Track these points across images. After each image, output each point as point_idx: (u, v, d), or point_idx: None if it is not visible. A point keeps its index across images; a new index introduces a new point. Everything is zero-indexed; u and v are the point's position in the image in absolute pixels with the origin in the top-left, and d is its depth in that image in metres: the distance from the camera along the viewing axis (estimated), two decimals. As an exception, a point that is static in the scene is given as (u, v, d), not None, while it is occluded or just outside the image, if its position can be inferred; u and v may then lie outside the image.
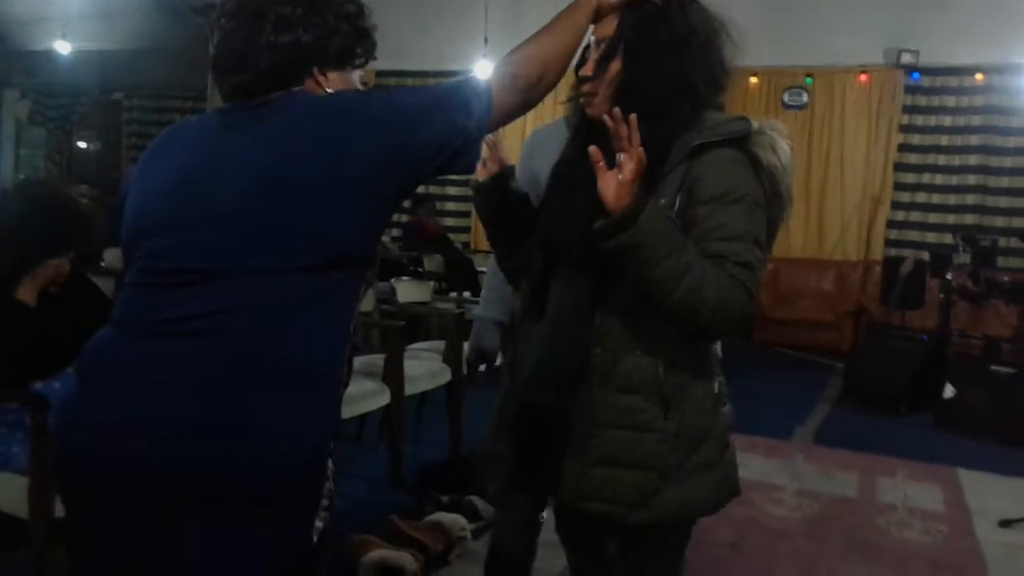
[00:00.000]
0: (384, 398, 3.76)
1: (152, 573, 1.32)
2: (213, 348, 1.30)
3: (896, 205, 8.38)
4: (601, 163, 1.46)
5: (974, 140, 8.08)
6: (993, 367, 5.59)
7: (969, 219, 8.05)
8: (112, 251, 5.14)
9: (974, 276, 6.34)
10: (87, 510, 1.40)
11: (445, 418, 4.36)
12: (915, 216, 8.32)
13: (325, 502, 1.38)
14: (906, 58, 8.06)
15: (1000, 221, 7.97)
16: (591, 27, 1.60)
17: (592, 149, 1.46)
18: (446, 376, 4.22)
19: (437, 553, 3.10)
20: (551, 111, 9.67)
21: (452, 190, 9.88)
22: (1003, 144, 7.99)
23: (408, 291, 5.09)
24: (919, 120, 8.29)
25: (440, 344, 4.46)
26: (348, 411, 3.51)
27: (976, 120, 8.06)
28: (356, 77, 1.53)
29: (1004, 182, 8.00)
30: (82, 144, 12.77)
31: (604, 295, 1.57)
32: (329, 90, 1.46)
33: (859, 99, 8.43)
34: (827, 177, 8.52)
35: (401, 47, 8.46)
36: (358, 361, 3.88)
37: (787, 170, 1.57)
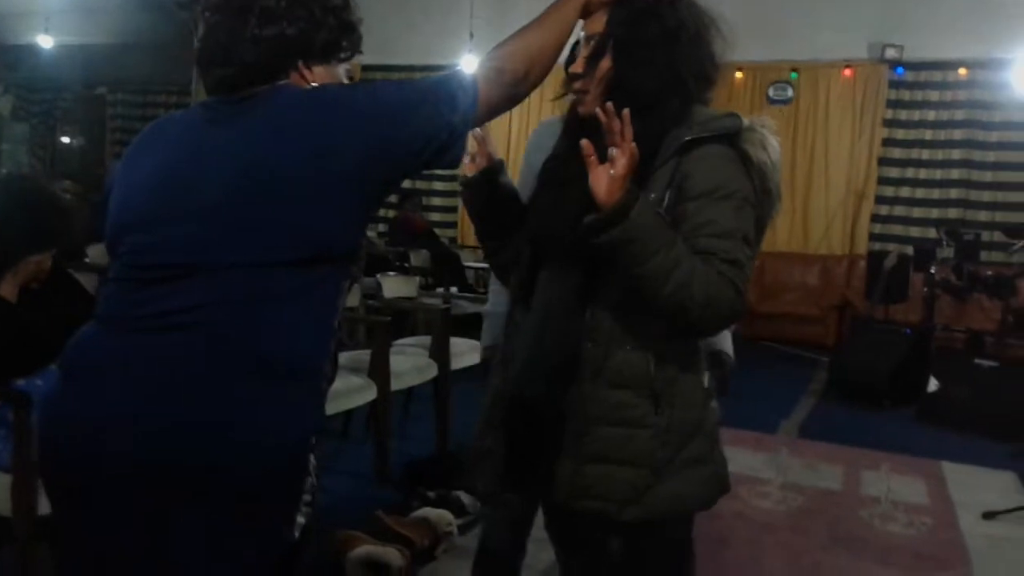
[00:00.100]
0: (370, 394, 3.75)
1: (135, 568, 1.32)
2: (197, 342, 1.30)
3: (880, 199, 8.42)
4: (592, 157, 1.46)
5: (957, 135, 8.13)
6: (976, 360, 5.64)
7: (952, 213, 8.10)
8: (96, 247, 5.11)
9: (957, 270, 6.37)
10: (72, 506, 1.39)
11: (431, 413, 4.36)
12: (899, 210, 8.36)
13: (307, 498, 1.37)
14: (890, 53, 8.10)
15: (983, 215, 8.02)
16: (580, 23, 1.60)
17: (584, 143, 1.46)
18: (432, 371, 4.22)
19: (423, 548, 3.10)
20: (537, 107, 9.66)
21: (439, 185, 9.87)
22: (986, 139, 8.03)
23: (394, 286, 5.08)
24: (903, 115, 8.33)
25: (426, 339, 4.46)
26: (334, 407, 3.51)
27: (959, 115, 8.11)
28: (342, 71, 1.52)
29: (987, 176, 8.05)
30: (66, 139, 12.69)
31: (594, 290, 1.57)
32: (314, 84, 1.45)
33: (843, 94, 8.47)
34: (812, 172, 8.56)
35: (387, 42, 8.45)
36: (344, 357, 3.87)
37: (777, 167, 1.57)
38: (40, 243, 2.38)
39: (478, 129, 1.70)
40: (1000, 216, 7.91)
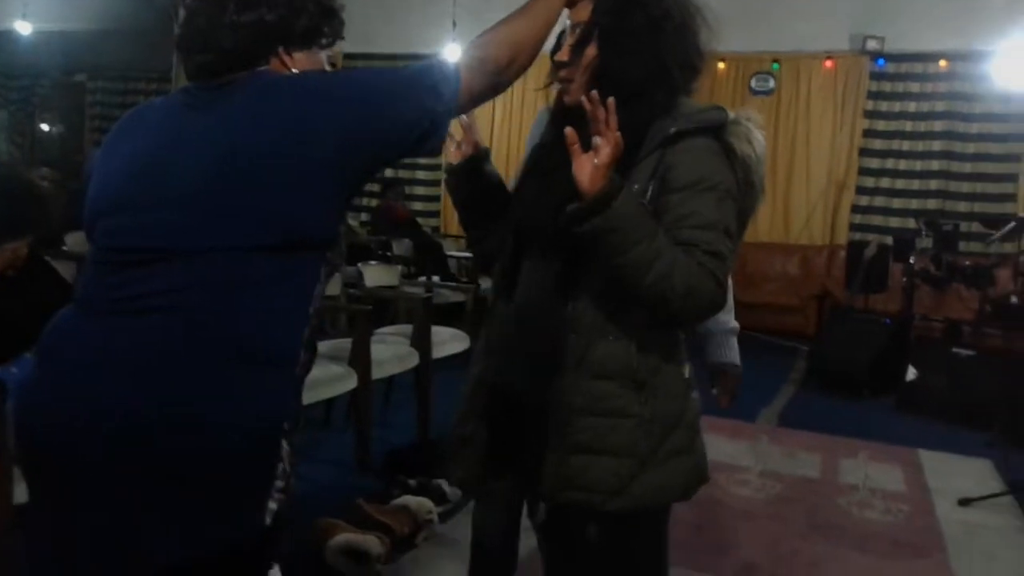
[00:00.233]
0: (351, 382, 3.75)
1: (104, 549, 1.31)
2: (171, 326, 1.29)
3: (860, 190, 8.46)
4: (576, 146, 1.46)
5: (937, 126, 8.17)
6: (954, 350, 5.69)
7: (932, 204, 8.15)
8: (74, 235, 5.08)
9: (936, 260, 6.42)
10: (44, 490, 1.39)
11: (413, 402, 4.36)
12: (879, 201, 8.40)
13: (280, 484, 1.37)
14: (871, 44, 8.13)
15: (962, 206, 8.07)
16: (567, 12, 1.60)
17: (568, 131, 1.46)
18: (414, 360, 4.22)
19: (403, 536, 3.11)
20: (520, 96, 9.63)
21: (422, 174, 9.84)
22: (966, 130, 8.08)
23: (375, 275, 5.08)
24: (883, 106, 8.37)
25: (408, 328, 4.46)
26: (315, 395, 3.50)
27: (940, 106, 8.15)
28: (323, 57, 1.51)
29: (967, 168, 8.10)
30: (45, 126, 12.55)
31: (577, 280, 1.58)
32: (295, 70, 1.44)
33: (825, 85, 8.50)
34: (793, 162, 8.59)
35: (369, 30, 8.41)
36: (325, 345, 3.86)
37: (761, 161, 1.58)
38: (16, 230, 2.36)
39: (464, 116, 1.69)
40: (979, 207, 7.97)
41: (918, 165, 8.26)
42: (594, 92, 1.44)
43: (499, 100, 8.90)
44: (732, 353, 2.30)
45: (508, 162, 8.66)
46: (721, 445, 4.37)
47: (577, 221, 1.46)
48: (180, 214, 1.32)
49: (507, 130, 9.35)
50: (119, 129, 1.49)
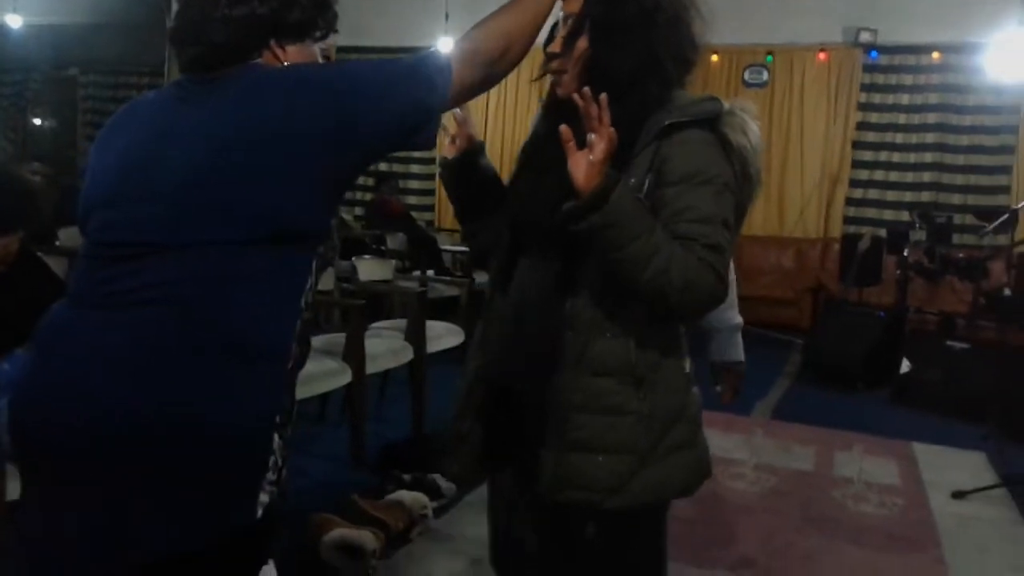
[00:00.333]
0: (345, 377, 3.74)
1: (94, 542, 1.31)
2: (164, 319, 1.29)
3: (854, 183, 8.46)
4: (571, 143, 1.45)
5: (931, 118, 8.17)
6: (948, 343, 5.69)
7: (925, 196, 8.15)
8: (67, 230, 5.06)
9: (930, 253, 6.42)
10: (38, 483, 1.39)
11: (407, 396, 4.35)
12: (873, 193, 8.40)
13: (272, 477, 1.37)
14: (864, 36, 8.13)
15: (956, 199, 8.08)
16: (560, 3, 1.59)
17: (562, 128, 1.45)
18: (408, 355, 4.22)
19: (398, 531, 3.10)
20: (514, 88, 9.59)
21: (416, 168, 9.82)
22: (959, 122, 8.08)
23: (369, 269, 5.06)
24: (877, 98, 8.37)
25: (402, 323, 4.45)
26: (309, 390, 3.50)
27: (933, 98, 8.15)
28: (317, 50, 1.50)
29: (960, 160, 8.10)
30: (37, 121, 12.49)
31: (574, 276, 1.56)
32: (287, 63, 1.44)
33: (818, 77, 8.49)
34: (787, 155, 8.58)
35: (362, 23, 8.39)
36: (319, 340, 3.85)
37: (757, 152, 1.56)
38: (4, 225, 2.35)
39: (459, 110, 1.68)
40: (972, 199, 7.98)
41: (911, 157, 8.26)
42: (586, 88, 1.43)
43: (493, 93, 8.89)
44: (737, 350, 2.30)
45: (502, 156, 8.65)
46: (716, 439, 4.35)
47: (574, 218, 1.45)
48: (170, 207, 1.31)
49: (500, 123, 9.33)
50: (113, 124, 1.49)
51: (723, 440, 4.41)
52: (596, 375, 1.55)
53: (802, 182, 8.57)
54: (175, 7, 1.44)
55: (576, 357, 1.55)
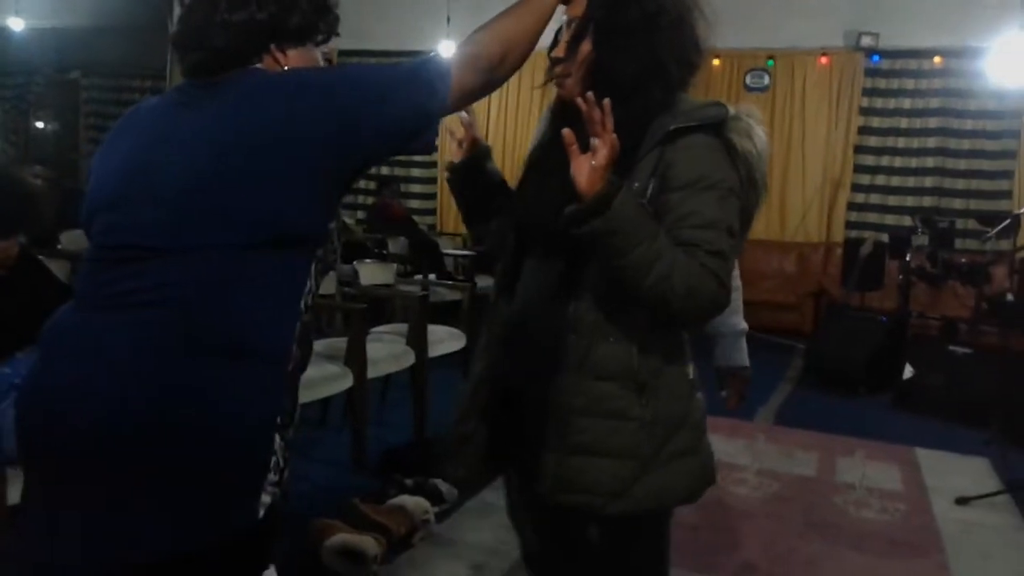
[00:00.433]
0: (347, 381, 3.73)
1: (95, 541, 1.31)
2: (166, 321, 1.30)
3: (856, 187, 8.45)
4: (574, 147, 1.44)
5: (932, 123, 8.17)
6: (950, 347, 5.68)
7: (927, 201, 8.15)
8: (69, 234, 5.06)
9: (932, 258, 6.41)
10: (41, 482, 1.40)
11: (409, 401, 4.35)
12: (875, 198, 8.40)
13: (274, 478, 1.37)
14: (866, 41, 8.13)
15: (958, 203, 8.07)
16: (563, 7, 1.58)
17: (565, 132, 1.44)
18: (409, 359, 4.21)
19: (400, 536, 3.09)
20: (516, 94, 9.59)
21: (417, 171, 9.82)
22: (960, 127, 8.08)
23: (371, 273, 5.06)
24: (879, 103, 8.36)
25: (404, 327, 4.45)
26: (311, 394, 3.49)
27: (935, 103, 8.15)
28: (318, 54, 1.51)
29: (962, 164, 8.10)
30: (39, 124, 12.51)
31: (578, 280, 1.56)
32: (288, 67, 1.44)
33: (820, 81, 8.49)
34: (789, 159, 8.58)
35: (363, 27, 8.39)
36: (320, 344, 3.85)
37: (762, 157, 1.56)
38: (5, 229, 2.35)
39: (464, 114, 1.69)
40: (974, 204, 7.97)
41: (913, 162, 8.26)
42: (590, 93, 1.42)
43: (495, 98, 8.89)
44: (742, 355, 2.30)
45: (505, 160, 8.65)
46: (718, 444, 4.31)
47: (576, 223, 1.45)
48: (174, 213, 1.32)
49: (503, 128, 9.32)
50: (117, 128, 1.50)
51: (726, 445, 4.39)
52: (598, 379, 1.54)
53: (804, 186, 8.56)
54: (177, 10, 1.44)
55: (579, 360, 1.55)
